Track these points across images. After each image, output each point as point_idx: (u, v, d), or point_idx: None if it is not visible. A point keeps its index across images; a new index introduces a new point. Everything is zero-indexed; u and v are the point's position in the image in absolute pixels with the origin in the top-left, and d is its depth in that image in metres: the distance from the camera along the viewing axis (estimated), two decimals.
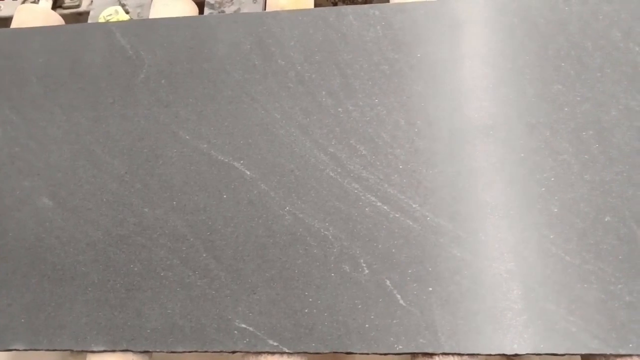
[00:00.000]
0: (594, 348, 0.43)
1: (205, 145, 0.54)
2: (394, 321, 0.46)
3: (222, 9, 0.68)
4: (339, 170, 0.52)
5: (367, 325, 0.46)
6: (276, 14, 0.60)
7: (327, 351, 0.45)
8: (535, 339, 0.44)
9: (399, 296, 0.46)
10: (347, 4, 0.94)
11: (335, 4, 0.97)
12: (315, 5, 0.67)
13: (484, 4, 0.57)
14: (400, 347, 0.45)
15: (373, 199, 0.50)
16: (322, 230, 0.49)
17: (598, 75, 0.53)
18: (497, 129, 0.51)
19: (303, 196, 0.51)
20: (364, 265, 0.48)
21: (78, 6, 0.78)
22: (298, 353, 0.46)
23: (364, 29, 0.58)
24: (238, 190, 0.52)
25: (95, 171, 0.55)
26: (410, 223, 0.49)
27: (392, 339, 0.45)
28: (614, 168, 0.49)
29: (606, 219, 0.47)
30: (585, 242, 0.47)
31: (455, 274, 0.47)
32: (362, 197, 0.50)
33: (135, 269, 0.50)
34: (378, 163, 0.52)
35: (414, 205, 0.50)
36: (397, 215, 0.49)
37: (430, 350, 0.44)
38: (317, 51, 0.57)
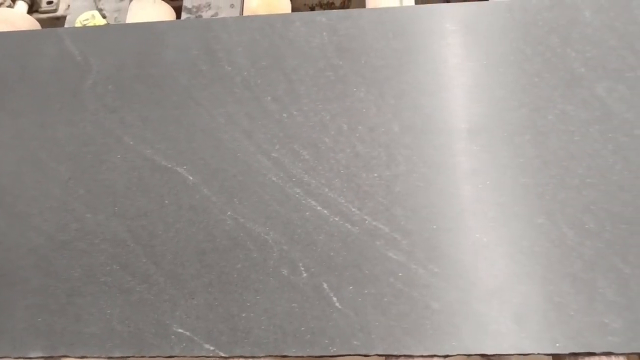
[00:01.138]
0: (523, 348, 0.44)
1: (149, 151, 0.54)
2: (330, 324, 0.46)
3: (199, 13, 0.69)
4: (282, 175, 0.52)
5: (303, 328, 0.46)
6: (224, 20, 0.61)
7: (262, 355, 0.46)
8: (468, 340, 0.45)
9: (335, 299, 0.47)
10: (324, 9, 0.95)
11: (312, 9, 0.97)
12: (293, 10, 0.68)
13: (428, 12, 0.58)
14: (335, 349, 0.45)
15: (314, 203, 0.51)
16: (262, 234, 0.50)
17: (536, 81, 0.54)
18: (435, 133, 0.52)
19: (245, 201, 0.51)
20: (303, 269, 0.48)
21: (55, 10, 0.78)
22: (233, 357, 0.46)
23: (310, 36, 0.58)
24: (180, 196, 0.52)
25: (40, 177, 0.55)
26: (349, 227, 0.49)
27: (326, 341, 0.46)
28: (548, 172, 0.50)
29: (539, 222, 0.48)
30: (519, 244, 0.48)
31: (390, 275, 0.47)
32: (303, 202, 0.51)
33: (76, 274, 0.50)
34: (320, 167, 0.52)
35: (353, 209, 0.50)
36: (336, 219, 0.50)
37: (363, 352, 0.45)
38: (264, 57, 0.58)
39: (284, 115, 0.55)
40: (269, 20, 0.60)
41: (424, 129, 0.53)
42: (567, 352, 0.44)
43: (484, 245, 0.48)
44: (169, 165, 0.53)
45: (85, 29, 0.62)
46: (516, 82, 0.54)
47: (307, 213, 0.50)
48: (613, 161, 0.50)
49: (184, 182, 0.53)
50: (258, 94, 0.56)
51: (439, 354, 0.44)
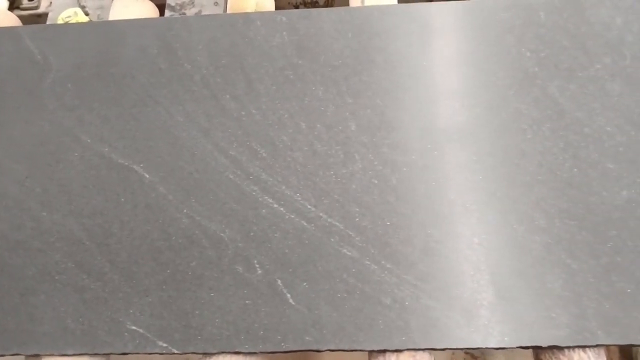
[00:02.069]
0: (471, 343, 0.45)
1: (106, 149, 0.54)
2: (283, 320, 0.46)
3: (183, 11, 0.69)
4: (239, 173, 0.52)
5: (256, 325, 0.46)
6: (185, 18, 0.61)
7: (215, 351, 0.46)
8: (417, 335, 0.45)
9: (288, 295, 0.47)
10: (308, 7, 0.95)
11: (297, 7, 0.98)
12: (277, 8, 0.68)
13: (388, 12, 0.59)
14: (287, 345, 0.46)
15: (270, 200, 0.51)
16: (217, 232, 0.50)
17: (492, 80, 0.55)
18: (391, 132, 0.53)
19: (201, 199, 0.51)
20: (257, 266, 0.48)
21: (36, 7, 0.77)
22: (186, 354, 0.46)
23: (270, 35, 0.59)
24: (136, 194, 0.52)
25: None
26: (305, 224, 0.50)
27: (279, 337, 0.46)
28: (500, 169, 0.51)
29: (490, 218, 0.49)
30: (471, 240, 0.48)
31: (344, 272, 0.48)
32: (260, 199, 0.51)
33: (30, 273, 0.50)
34: (277, 165, 0.52)
35: (309, 206, 0.51)
36: (292, 217, 0.50)
37: (315, 348, 0.45)
38: (224, 55, 0.58)
39: (243, 113, 0.55)
40: (229, 19, 0.60)
41: (381, 127, 0.54)
42: (514, 345, 0.45)
43: (435, 241, 0.48)
44: (126, 164, 0.53)
45: (44, 27, 0.62)
46: (472, 81, 0.55)
47: (264, 210, 0.51)
48: (563, 159, 0.51)
49: (140, 181, 0.53)
50: (217, 92, 0.56)
51: (390, 349, 0.45)
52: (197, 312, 0.47)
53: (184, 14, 0.68)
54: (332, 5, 0.96)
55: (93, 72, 0.58)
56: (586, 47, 0.56)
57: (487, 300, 0.46)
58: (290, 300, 0.47)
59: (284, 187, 0.51)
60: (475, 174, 0.51)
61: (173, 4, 0.69)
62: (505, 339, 0.45)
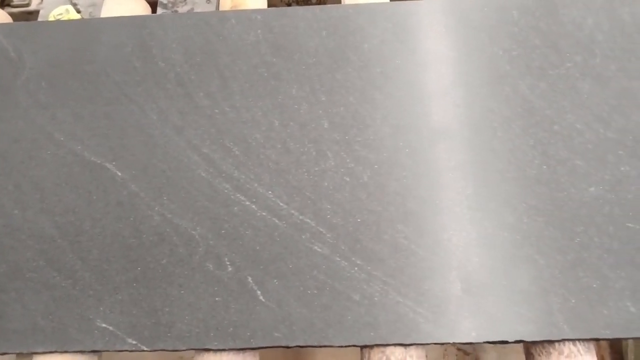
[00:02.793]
0: (437, 338, 0.45)
1: (79, 147, 0.54)
2: (252, 317, 0.47)
3: (175, 8, 0.69)
4: (211, 171, 0.52)
5: (225, 322, 0.47)
6: (160, 16, 0.61)
7: (184, 348, 0.46)
8: (385, 330, 0.46)
9: (259, 292, 0.47)
10: (300, 5, 0.95)
11: (289, 5, 0.98)
12: (269, 5, 0.68)
13: (360, 11, 0.59)
14: (256, 341, 0.46)
15: (242, 198, 0.51)
16: (189, 230, 0.50)
17: (464, 78, 0.55)
18: (363, 130, 0.53)
19: (173, 197, 0.52)
20: (228, 263, 0.49)
21: (28, 5, 0.76)
22: (155, 351, 0.46)
23: (245, 33, 0.59)
24: (108, 192, 0.52)
25: None
26: (276, 221, 0.50)
27: (248, 334, 0.46)
28: (470, 167, 0.51)
29: (459, 215, 0.49)
30: (438, 237, 0.49)
31: (314, 268, 0.48)
32: (232, 197, 0.51)
33: (1, 270, 0.50)
34: (250, 163, 0.53)
35: (281, 204, 0.51)
36: (264, 214, 0.50)
37: (284, 344, 0.45)
38: (198, 53, 0.58)
39: (216, 111, 0.55)
40: (204, 17, 0.60)
41: (353, 125, 0.54)
42: (482, 340, 0.45)
43: (405, 238, 0.49)
44: (98, 161, 0.53)
45: (19, 25, 0.62)
46: (444, 80, 0.55)
47: (235, 208, 0.51)
48: (532, 156, 0.51)
49: (112, 178, 0.53)
50: (191, 90, 0.56)
51: (358, 344, 0.45)
52: (167, 309, 0.47)
53: (176, 11, 0.68)
54: (324, 3, 0.96)
55: (67, 70, 0.58)
56: (558, 46, 0.56)
57: (455, 296, 0.47)
58: (261, 297, 0.47)
59: (256, 185, 0.52)
60: (446, 171, 0.51)
61: (165, 1, 0.69)
62: (473, 334, 0.45)
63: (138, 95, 0.56)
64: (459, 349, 0.89)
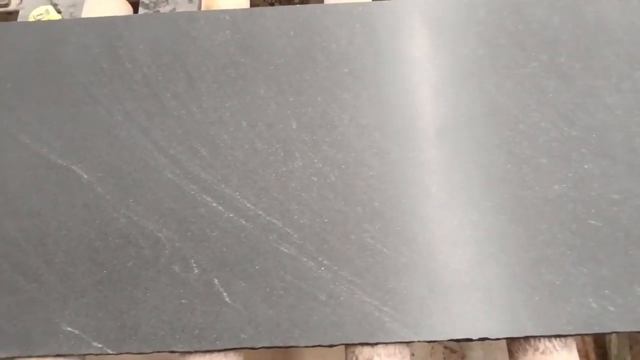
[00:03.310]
0: (403, 336, 0.46)
1: (45, 149, 0.54)
2: (218, 318, 0.47)
3: (157, 8, 0.68)
4: (178, 172, 0.52)
5: (191, 324, 0.46)
6: (128, 17, 0.60)
7: (149, 351, 0.46)
8: (350, 330, 0.46)
9: (225, 294, 0.47)
10: (283, 4, 0.95)
11: (272, 4, 0.97)
12: (252, 5, 0.67)
13: (328, 11, 0.59)
14: (222, 343, 0.46)
15: (209, 199, 0.51)
16: (155, 232, 0.50)
17: (430, 76, 0.56)
18: (331, 129, 0.53)
19: (139, 198, 0.51)
20: (195, 265, 0.48)
21: (7, 5, 0.75)
22: (121, 354, 0.46)
23: (213, 33, 0.59)
24: (74, 194, 0.52)
25: None
26: (243, 222, 0.50)
27: (214, 335, 0.46)
28: (434, 165, 0.51)
29: (423, 215, 0.50)
30: (403, 236, 0.49)
31: (281, 269, 0.48)
32: (199, 198, 0.51)
33: None
34: (217, 164, 0.52)
35: (248, 205, 0.51)
36: (231, 215, 0.50)
37: (249, 345, 0.45)
38: (166, 54, 0.58)
39: (183, 112, 0.55)
40: (173, 18, 0.60)
41: (321, 125, 0.54)
42: (445, 339, 0.46)
43: (371, 237, 0.49)
44: (64, 164, 0.53)
45: None
46: (411, 79, 0.56)
47: (202, 209, 0.51)
48: (497, 154, 0.52)
49: (78, 181, 0.52)
50: (158, 91, 0.56)
51: (323, 344, 0.45)
52: (132, 312, 0.47)
53: (158, 11, 0.67)
54: (307, 2, 0.96)
55: (33, 72, 0.58)
56: (524, 46, 0.57)
57: (420, 294, 0.47)
58: (227, 299, 0.47)
59: (223, 186, 0.52)
60: (411, 170, 0.52)
61: (147, 2, 0.68)
62: (437, 332, 0.46)
63: (104, 96, 0.56)
64: (445, 347, 0.90)
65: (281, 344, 0.46)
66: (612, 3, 0.58)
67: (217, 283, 0.48)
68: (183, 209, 0.51)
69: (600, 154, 0.51)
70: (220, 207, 0.51)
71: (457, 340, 0.46)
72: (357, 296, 0.47)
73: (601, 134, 0.52)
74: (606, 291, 0.47)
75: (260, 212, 0.50)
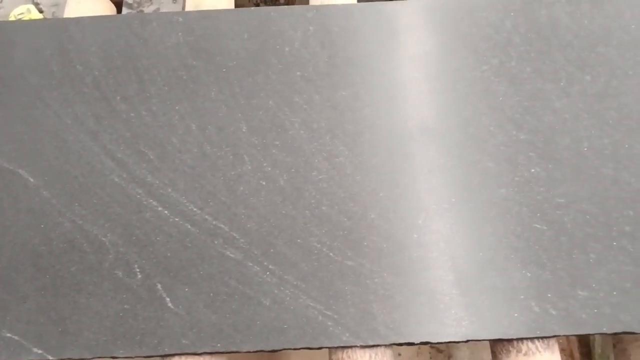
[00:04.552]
0: (345, 341, 0.45)
1: None
2: (161, 324, 0.46)
3: (140, 8, 0.67)
4: (125, 176, 0.52)
5: (133, 330, 0.46)
6: (80, 20, 0.60)
7: (90, 357, 0.45)
8: (294, 334, 0.46)
9: (168, 299, 0.47)
10: (269, 5, 0.94)
11: (257, 5, 0.97)
12: (236, 6, 0.67)
13: (283, 14, 0.59)
14: (164, 349, 0.45)
15: (155, 203, 0.51)
16: (99, 236, 0.49)
17: (381, 82, 0.55)
18: (281, 133, 0.53)
19: (85, 203, 0.51)
20: (138, 270, 0.48)
21: None
22: None
23: (165, 35, 0.58)
24: (19, 198, 0.51)
25: None
26: (189, 227, 0.50)
27: (156, 341, 0.46)
28: (383, 169, 0.52)
29: (371, 217, 0.50)
30: (350, 239, 0.49)
31: (225, 274, 0.48)
32: (144, 202, 0.51)
33: None
34: (165, 168, 0.52)
35: (194, 209, 0.50)
36: (176, 220, 0.50)
37: (191, 351, 0.45)
38: (117, 57, 0.57)
39: (132, 115, 0.54)
40: (126, 20, 0.59)
41: (272, 129, 0.54)
42: (388, 342, 0.46)
43: (317, 241, 0.49)
44: (11, 168, 0.52)
45: None
46: (362, 83, 0.56)
47: (147, 214, 0.50)
48: (445, 158, 0.52)
49: (24, 185, 0.52)
50: (108, 94, 0.55)
51: (265, 349, 0.45)
52: (74, 317, 0.47)
53: (142, 11, 0.67)
54: (293, 3, 0.96)
55: None
56: (476, 49, 0.57)
57: (364, 298, 0.47)
58: (169, 304, 0.47)
59: (170, 190, 0.51)
60: (360, 174, 0.51)
61: (130, 1, 0.68)
62: (380, 336, 0.46)
63: (54, 99, 0.55)
64: (432, 347, 0.90)
65: (223, 350, 0.45)
66: (565, 7, 0.58)
67: (160, 288, 0.48)
68: (128, 213, 0.50)
69: (547, 158, 0.52)
70: (166, 212, 0.50)
71: (399, 344, 0.46)
72: (301, 301, 0.47)
73: (549, 137, 0.53)
74: (549, 295, 0.47)
75: (206, 217, 0.50)
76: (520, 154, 0.52)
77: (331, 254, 0.49)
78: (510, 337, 0.46)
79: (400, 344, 0.46)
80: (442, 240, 0.49)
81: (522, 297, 0.47)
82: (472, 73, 0.56)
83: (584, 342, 0.89)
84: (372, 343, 0.46)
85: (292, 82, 0.56)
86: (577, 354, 0.89)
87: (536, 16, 0.58)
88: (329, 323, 0.46)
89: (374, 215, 0.50)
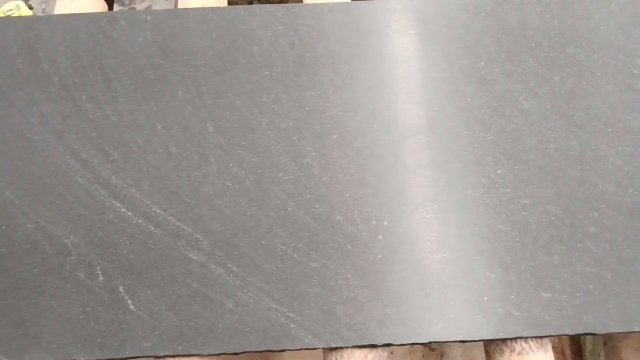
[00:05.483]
0: (308, 343, 0.45)
1: None
2: (122, 327, 0.46)
3: (132, 5, 0.66)
4: (89, 177, 0.51)
5: (94, 332, 0.46)
6: (48, 18, 0.59)
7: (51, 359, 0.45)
8: (255, 337, 0.45)
9: (130, 302, 0.47)
10: (262, 3, 0.93)
11: (250, 3, 0.96)
12: (230, 4, 0.66)
13: (252, 13, 0.58)
14: (125, 352, 0.45)
15: (118, 204, 0.50)
16: (62, 238, 0.49)
17: (350, 82, 0.55)
18: (248, 133, 0.53)
19: (48, 204, 0.50)
20: (100, 272, 0.48)
21: None
22: None
23: (133, 34, 0.58)
24: None
25: None
26: (152, 228, 0.49)
27: (117, 344, 0.45)
28: (349, 170, 0.51)
29: (337, 218, 0.50)
30: (315, 240, 0.49)
31: (188, 276, 0.47)
32: (108, 204, 0.50)
33: None
34: (129, 168, 0.52)
35: (158, 211, 0.50)
36: (139, 221, 0.50)
37: (152, 354, 0.45)
38: (84, 56, 0.57)
39: (98, 114, 0.54)
40: (94, 19, 0.59)
41: (239, 129, 0.53)
42: (350, 345, 0.45)
43: (282, 243, 0.49)
44: None
45: None
46: (331, 83, 0.55)
47: (111, 215, 0.50)
48: (412, 160, 0.52)
49: None
50: (74, 93, 0.55)
51: (227, 352, 0.45)
52: (36, 320, 0.46)
53: (134, 8, 0.66)
54: (286, 1, 0.95)
55: None
56: (446, 49, 0.57)
57: (327, 300, 0.47)
58: (131, 307, 0.47)
59: (133, 191, 0.51)
60: (326, 175, 0.51)
61: None
62: (341, 337, 0.46)
63: (20, 99, 0.55)
64: (424, 345, 0.91)
65: (184, 353, 0.45)
66: (535, 8, 0.58)
67: (122, 290, 0.47)
68: (92, 214, 0.50)
69: (513, 159, 0.52)
70: (129, 213, 0.50)
71: (360, 347, 0.46)
72: (264, 303, 0.47)
73: (516, 138, 0.52)
74: (512, 296, 0.47)
75: (170, 218, 0.50)
76: (487, 155, 0.52)
77: (295, 255, 0.48)
78: (472, 339, 0.46)
79: (361, 347, 0.46)
80: (407, 242, 0.49)
81: (485, 298, 0.47)
82: (442, 74, 0.56)
83: (575, 340, 0.90)
84: (334, 345, 0.45)
85: (261, 82, 0.56)
86: (568, 352, 0.89)
87: (506, 17, 0.58)
88: (292, 325, 0.46)
89: (339, 216, 0.50)
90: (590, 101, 0.54)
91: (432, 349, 0.91)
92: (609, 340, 0.88)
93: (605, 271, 0.48)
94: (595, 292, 0.47)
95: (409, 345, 0.88)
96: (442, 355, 0.91)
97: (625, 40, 0.56)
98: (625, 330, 0.46)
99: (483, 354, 0.85)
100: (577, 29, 0.57)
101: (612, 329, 0.46)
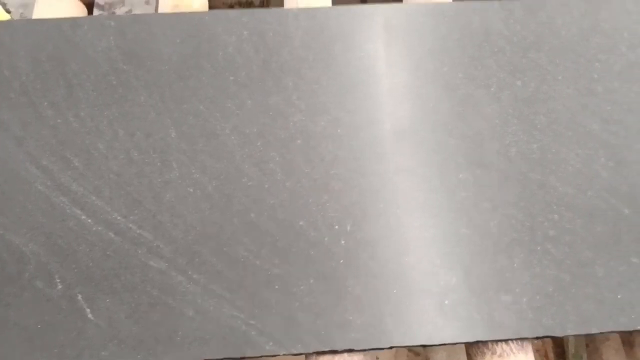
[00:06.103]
0: (269, 350, 0.45)
1: None
2: (80, 336, 0.45)
3: (112, 10, 0.65)
4: (49, 184, 0.51)
5: (52, 342, 0.45)
6: (10, 22, 0.58)
7: None
8: (215, 345, 0.45)
9: (88, 310, 0.46)
10: (244, 7, 0.93)
11: (231, 7, 0.95)
12: (210, 7, 0.65)
13: (217, 18, 0.58)
14: None
15: (79, 212, 0.50)
16: (20, 246, 0.48)
17: (314, 87, 0.55)
18: (211, 139, 0.53)
19: (7, 212, 0.50)
20: (59, 280, 0.47)
21: None
22: None
23: (96, 40, 0.57)
24: None
25: None
26: (112, 235, 0.49)
27: (75, 353, 0.45)
28: (313, 175, 0.51)
29: (300, 224, 0.49)
30: (278, 246, 0.49)
31: (148, 284, 0.47)
32: (68, 211, 0.50)
33: None
34: (90, 175, 0.51)
35: (118, 218, 0.50)
36: (100, 229, 0.49)
37: None
38: (46, 61, 0.56)
39: (59, 121, 0.53)
40: (57, 24, 0.58)
41: (202, 135, 0.53)
42: (311, 350, 0.45)
43: (244, 249, 0.49)
44: None
45: None
46: (296, 88, 0.55)
47: (71, 222, 0.49)
48: (375, 165, 0.52)
49: None
50: (35, 99, 0.54)
51: None
52: None
53: (114, 12, 0.65)
54: (268, 6, 0.95)
55: None
56: (410, 54, 0.57)
57: (289, 306, 0.47)
58: (89, 316, 0.46)
59: (94, 198, 0.50)
60: (290, 181, 0.51)
61: (102, 3, 0.66)
62: (302, 344, 0.46)
63: None
64: (410, 350, 0.91)
65: None
66: (498, 13, 0.58)
67: (81, 299, 0.47)
68: (51, 222, 0.49)
69: (475, 163, 0.52)
70: (89, 220, 0.49)
71: (322, 353, 0.46)
72: (225, 310, 0.47)
73: (477, 143, 0.53)
74: (473, 300, 0.47)
75: (130, 225, 0.49)
76: (450, 159, 0.52)
77: (258, 262, 0.48)
78: (433, 343, 0.46)
79: (324, 352, 0.46)
80: (369, 246, 0.49)
81: (447, 302, 0.47)
82: (406, 79, 0.56)
83: (558, 343, 0.90)
84: (295, 352, 0.45)
85: (225, 87, 0.55)
86: (551, 355, 0.90)
87: (470, 22, 0.58)
88: (253, 332, 0.46)
89: (302, 222, 0.50)
90: (551, 105, 0.55)
91: (417, 354, 0.92)
92: (591, 342, 0.89)
93: (564, 273, 0.48)
94: (554, 295, 0.48)
95: (395, 350, 0.88)
96: (427, 359, 0.91)
97: (586, 45, 0.57)
98: (583, 333, 0.46)
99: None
100: (539, 34, 0.57)
101: (570, 331, 0.46)
